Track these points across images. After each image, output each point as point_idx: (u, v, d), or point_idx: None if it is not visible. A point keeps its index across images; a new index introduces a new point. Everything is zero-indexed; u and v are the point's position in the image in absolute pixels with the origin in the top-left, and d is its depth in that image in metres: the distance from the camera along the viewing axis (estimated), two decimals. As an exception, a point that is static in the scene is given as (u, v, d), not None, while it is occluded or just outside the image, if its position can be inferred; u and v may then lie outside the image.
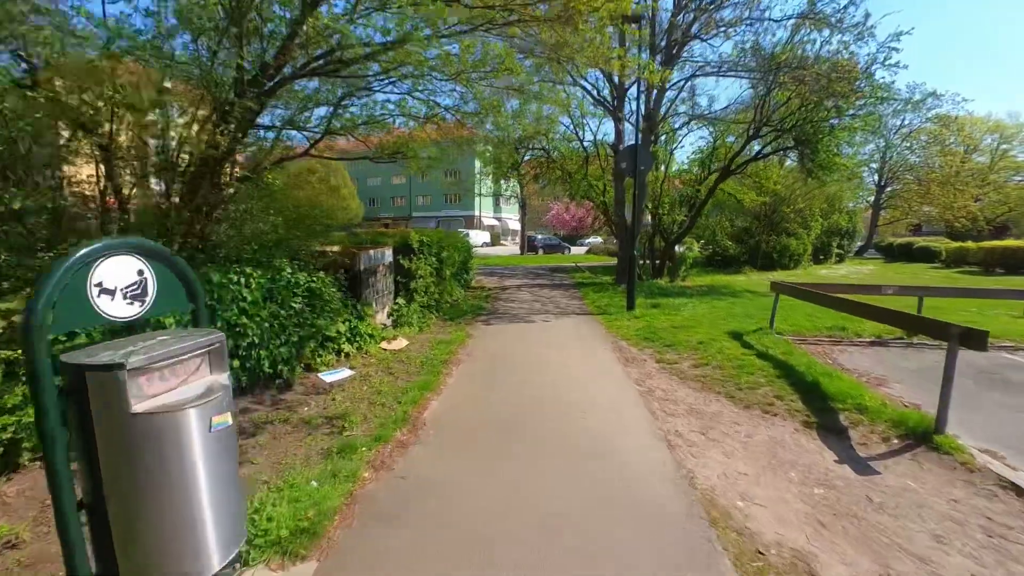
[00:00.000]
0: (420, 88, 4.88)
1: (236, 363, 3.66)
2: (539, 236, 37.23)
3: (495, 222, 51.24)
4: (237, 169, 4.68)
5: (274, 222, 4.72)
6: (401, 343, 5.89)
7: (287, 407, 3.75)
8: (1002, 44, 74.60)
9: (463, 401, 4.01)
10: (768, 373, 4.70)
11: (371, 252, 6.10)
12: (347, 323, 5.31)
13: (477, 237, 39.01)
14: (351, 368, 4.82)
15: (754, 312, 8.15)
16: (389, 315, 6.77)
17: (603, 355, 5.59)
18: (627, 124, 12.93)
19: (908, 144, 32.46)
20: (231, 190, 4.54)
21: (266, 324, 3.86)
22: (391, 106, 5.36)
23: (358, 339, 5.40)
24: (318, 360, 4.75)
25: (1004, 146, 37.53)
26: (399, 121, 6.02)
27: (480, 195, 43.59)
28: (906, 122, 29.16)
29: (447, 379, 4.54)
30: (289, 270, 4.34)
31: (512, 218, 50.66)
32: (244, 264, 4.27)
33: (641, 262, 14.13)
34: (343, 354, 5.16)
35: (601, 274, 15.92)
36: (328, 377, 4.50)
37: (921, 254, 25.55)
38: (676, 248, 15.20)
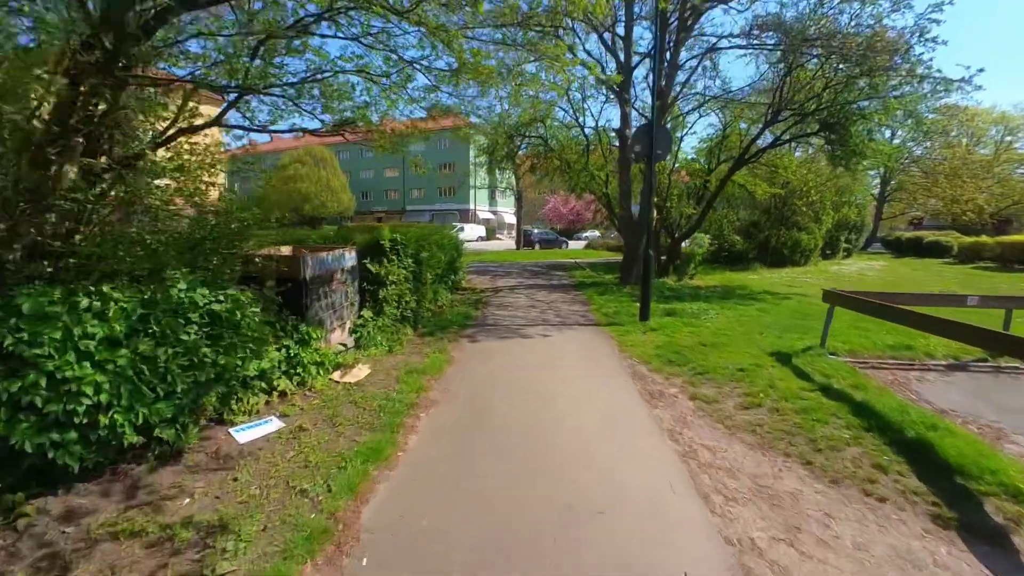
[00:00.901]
0: (373, 33, 3.57)
1: (73, 435, 2.38)
2: (535, 230, 35.66)
3: (491, 216, 49.82)
4: (113, 150, 3.36)
5: (170, 213, 3.41)
6: (361, 372, 4.62)
7: (152, 500, 2.46)
8: (1005, 35, 73.73)
9: (424, 484, 2.73)
10: (848, 421, 3.48)
11: (322, 255, 4.79)
12: (284, 350, 4.04)
13: (472, 231, 37.55)
14: (281, 416, 3.55)
15: (788, 321, 6.95)
16: (352, 331, 5.49)
17: (620, 388, 4.35)
18: (633, 110, 11.67)
19: (913, 135, 31.34)
20: (105, 180, 3.23)
21: (129, 371, 2.58)
22: (340, 63, 4.04)
23: (299, 370, 4.13)
24: (234, 406, 3.47)
25: (1008, 138, 36.64)
26: (360, 87, 4.70)
27: (475, 188, 42.20)
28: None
29: (409, 438, 3.26)
30: (183, 285, 3.05)
31: (508, 212, 49.24)
32: (115, 278, 3.00)
33: (647, 260, 12.87)
34: (277, 392, 3.89)
35: (603, 272, 14.67)
36: (243, 435, 3.23)
37: (932, 249, 24.56)
38: (683, 244, 13.99)
